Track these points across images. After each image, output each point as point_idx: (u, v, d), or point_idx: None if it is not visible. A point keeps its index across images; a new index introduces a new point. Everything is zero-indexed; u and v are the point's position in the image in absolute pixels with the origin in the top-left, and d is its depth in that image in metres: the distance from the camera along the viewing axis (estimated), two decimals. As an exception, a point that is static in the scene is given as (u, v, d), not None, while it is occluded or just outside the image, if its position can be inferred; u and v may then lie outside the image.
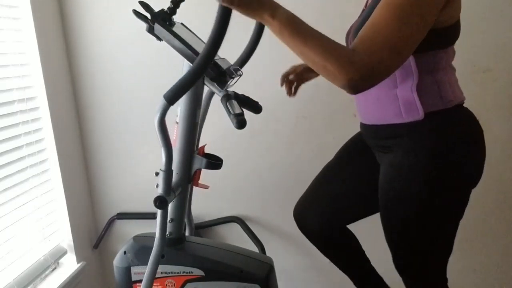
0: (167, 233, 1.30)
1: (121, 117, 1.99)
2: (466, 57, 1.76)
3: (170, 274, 1.33)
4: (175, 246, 1.35)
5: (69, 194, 1.89)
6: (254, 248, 1.86)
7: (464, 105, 1.18)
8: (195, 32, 1.37)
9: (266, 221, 2.03)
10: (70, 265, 1.91)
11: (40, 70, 1.74)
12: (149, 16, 1.18)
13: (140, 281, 1.36)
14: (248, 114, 1.20)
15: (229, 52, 1.33)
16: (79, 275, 1.90)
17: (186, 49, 1.18)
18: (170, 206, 1.30)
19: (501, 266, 1.92)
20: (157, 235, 1.21)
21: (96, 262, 2.12)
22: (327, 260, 2.03)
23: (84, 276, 1.94)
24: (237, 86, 1.31)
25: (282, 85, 1.52)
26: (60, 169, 1.83)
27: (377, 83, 0.98)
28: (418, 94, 1.10)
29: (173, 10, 1.24)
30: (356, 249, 1.51)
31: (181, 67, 1.26)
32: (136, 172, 2.02)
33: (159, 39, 1.20)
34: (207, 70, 1.19)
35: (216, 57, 1.25)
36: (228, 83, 1.24)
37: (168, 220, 1.29)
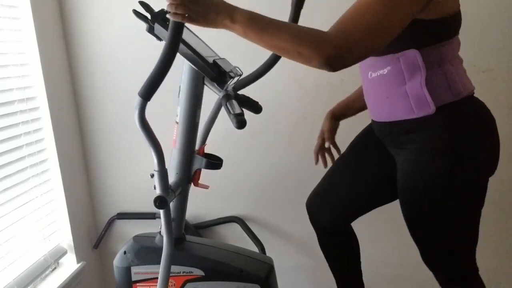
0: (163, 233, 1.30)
1: (121, 117, 1.99)
2: (466, 57, 1.74)
3: (170, 274, 1.33)
4: (175, 246, 1.34)
5: (69, 194, 1.89)
6: (254, 248, 1.86)
7: None
8: (194, 32, 1.37)
9: (266, 221, 2.03)
10: (70, 265, 1.91)
11: (40, 70, 1.74)
12: (149, 16, 1.19)
13: (140, 281, 1.36)
14: (248, 114, 1.20)
15: (229, 52, 1.33)
16: (79, 275, 1.90)
17: (186, 49, 1.18)
18: (170, 206, 1.29)
19: (501, 267, 1.92)
20: (165, 235, 1.20)
21: (96, 262, 2.12)
22: (327, 260, 2.03)
23: (84, 276, 1.94)
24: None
25: (317, 162, 1.55)
26: (60, 169, 1.83)
27: (355, 61, 0.99)
28: (427, 89, 1.10)
29: (173, 10, 1.24)
30: (356, 253, 1.53)
31: (181, 67, 1.26)
32: (136, 172, 2.02)
33: (159, 39, 1.20)
34: (207, 70, 1.19)
35: (216, 57, 1.25)
36: (228, 83, 1.24)
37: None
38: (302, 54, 0.98)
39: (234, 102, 1.16)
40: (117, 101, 1.97)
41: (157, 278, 1.34)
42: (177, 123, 1.29)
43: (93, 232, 2.09)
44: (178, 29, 0.98)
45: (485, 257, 1.29)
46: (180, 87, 1.28)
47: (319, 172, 1.94)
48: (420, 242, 1.23)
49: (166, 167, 1.15)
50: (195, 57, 1.18)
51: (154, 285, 1.35)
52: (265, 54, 1.56)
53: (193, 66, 1.21)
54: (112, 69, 1.94)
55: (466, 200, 1.14)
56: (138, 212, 2.05)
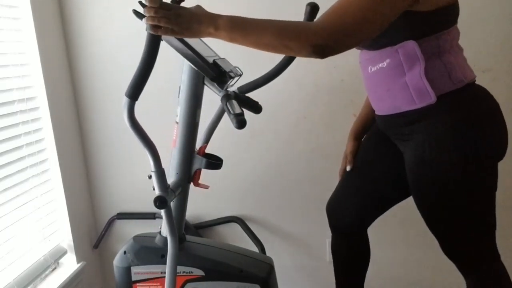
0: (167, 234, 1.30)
1: (121, 117, 1.97)
2: (466, 57, 1.76)
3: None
4: (175, 246, 1.35)
5: (69, 194, 1.89)
6: (254, 248, 1.86)
7: None
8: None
9: (266, 221, 2.03)
10: (70, 265, 1.91)
11: (40, 70, 1.74)
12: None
13: (140, 281, 1.36)
14: (248, 114, 1.20)
15: (229, 52, 1.33)
16: (79, 275, 1.90)
17: (186, 49, 1.18)
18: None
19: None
20: (169, 235, 1.20)
21: (96, 262, 2.12)
22: (327, 260, 2.04)
23: (84, 276, 1.94)
24: (237, 86, 1.31)
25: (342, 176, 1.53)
26: (60, 169, 1.83)
27: (343, 49, 1.02)
28: (427, 79, 1.11)
29: (173, 10, 1.24)
30: (366, 260, 1.54)
31: (181, 66, 1.26)
32: (136, 172, 2.02)
33: (159, 39, 1.20)
34: (207, 70, 1.19)
35: (216, 57, 1.25)
36: (228, 83, 1.24)
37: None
38: (289, 47, 1.01)
39: (234, 102, 1.16)
40: (117, 101, 1.97)
41: (157, 278, 1.34)
42: (177, 123, 1.29)
43: (93, 232, 2.09)
44: (156, 43, 0.99)
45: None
46: (180, 87, 1.28)
47: (319, 172, 1.95)
48: (437, 233, 1.23)
49: (164, 166, 1.15)
50: (195, 57, 1.18)
51: (154, 285, 1.36)
52: (265, 53, 1.57)
53: (193, 66, 1.21)
54: (112, 69, 1.94)
55: (477, 185, 1.14)
56: (138, 212, 2.05)
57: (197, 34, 1.03)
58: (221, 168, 1.32)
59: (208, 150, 1.36)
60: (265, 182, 1.99)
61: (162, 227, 1.37)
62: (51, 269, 1.82)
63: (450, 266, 1.29)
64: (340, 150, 1.57)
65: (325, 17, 1.02)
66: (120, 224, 2.10)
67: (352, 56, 1.35)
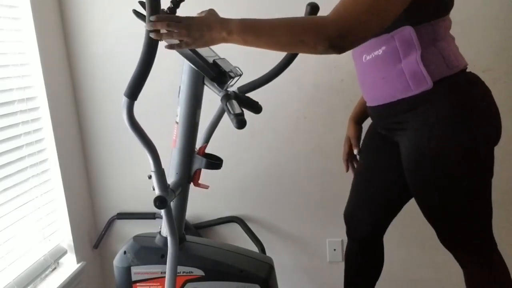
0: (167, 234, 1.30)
1: (121, 117, 1.96)
2: (466, 57, 1.75)
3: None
4: (175, 246, 1.35)
5: (69, 194, 1.89)
6: (254, 248, 1.86)
7: None
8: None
9: (266, 221, 2.03)
10: (70, 265, 1.91)
11: (40, 70, 1.74)
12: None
13: (140, 281, 1.36)
14: (248, 114, 1.20)
15: (229, 52, 1.33)
16: (79, 275, 1.90)
17: (186, 48, 1.18)
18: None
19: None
20: (169, 235, 1.20)
21: (96, 262, 2.12)
22: (327, 260, 2.04)
23: (84, 276, 1.94)
24: (237, 86, 1.31)
25: (348, 169, 1.55)
26: (60, 169, 1.83)
27: (359, 42, 1.02)
28: (424, 65, 1.11)
29: (173, 10, 1.24)
30: (379, 269, 1.54)
31: (181, 66, 1.26)
32: (136, 172, 2.02)
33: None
34: (207, 70, 1.19)
35: (216, 57, 1.25)
36: (228, 83, 1.24)
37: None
38: (305, 42, 0.99)
39: (234, 102, 1.16)
40: (117, 101, 1.95)
41: (157, 278, 1.34)
42: (177, 123, 1.29)
43: (93, 232, 2.09)
44: (154, 48, 0.99)
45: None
46: (180, 87, 1.28)
47: (319, 172, 1.95)
48: (436, 223, 1.23)
49: (164, 166, 1.15)
50: (195, 57, 1.18)
51: (154, 285, 1.36)
52: (265, 53, 1.57)
53: (193, 66, 1.21)
54: (112, 69, 1.94)
55: (473, 170, 1.15)
56: (138, 212, 2.05)
57: (210, 42, 1.03)
58: (221, 168, 1.32)
59: (208, 150, 1.36)
60: (265, 182, 1.99)
61: (162, 227, 1.37)
62: (51, 269, 1.82)
63: (450, 266, 1.30)
64: (340, 150, 1.57)
65: (337, 9, 1.01)
66: (120, 224, 2.10)
67: (352, 56, 1.35)
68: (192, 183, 1.33)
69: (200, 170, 1.31)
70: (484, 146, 1.15)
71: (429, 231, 1.28)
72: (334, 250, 2.01)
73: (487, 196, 1.19)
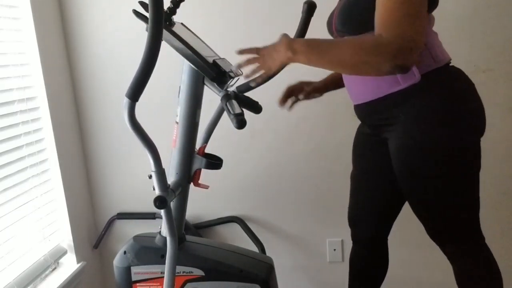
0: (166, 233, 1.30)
1: (121, 117, 1.97)
2: (466, 57, 1.76)
3: (170, 274, 1.33)
4: (175, 246, 1.34)
5: (69, 194, 1.89)
6: (254, 248, 1.86)
7: None
8: (195, 32, 1.37)
9: (266, 221, 2.03)
10: (70, 265, 1.91)
11: (40, 70, 1.74)
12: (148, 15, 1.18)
13: (140, 281, 1.36)
14: (248, 114, 1.20)
15: (229, 52, 1.33)
16: (79, 275, 1.90)
17: (186, 49, 1.18)
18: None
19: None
20: (168, 235, 1.20)
21: (96, 262, 2.12)
22: (327, 260, 2.04)
23: (84, 276, 1.94)
24: (235, 85, 1.31)
25: (283, 102, 1.52)
26: (60, 169, 1.83)
27: (420, 48, 1.02)
28: None
29: (173, 10, 1.24)
30: (382, 276, 1.55)
31: (181, 66, 1.26)
32: (136, 172, 2.02)
33: (159, 39, 1.20)
34: (207, 71, 1.19)
35: (216, 57, 1.25)
36: (228, 83, 1.24)
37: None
38: (369, 63, 1.02)
39: (234, 102, 1.16)
40: (117, 101, 1.97)
41: (157, 278, 1.34)
42: (177, 123, 1.29)
43: (93, 232, 2.09)
44: (158, 23, 0.98)
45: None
46: (180, 87, 1.28)
47: (319, 172, 1.95)
48: (423, 214, 1.24)
49: (164, 166, 1.15)
50: (195, 57, 1.18)
51: (154, 285, 1.35)
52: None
53: (193, 66, 1.21)
54: (112, 69, 1.94)
55: (461, 163, 1.16)
56: (138, 212, 2.05)
57: (281, 64, 1.10)
58: (221, 168, 1.32)
59: (208, 150, 1.36)
60: (265, 182, 1.99)
61: (162, 227, 1.37)
62: (51, 269, 1.82)
63: (451, 267, 1.30)
64: (340, 150, 1.57)
65: (387, 25, 1.02)
66: (120, 224, 2.10)
67: None
68: (192, 183, 1.33)
69: (200, 170, 1.31)
70: (472, 138, 1.17)
71: (429, 231, 1.28)
72: (334, 250, 2.01)
73: (474, 189, 1.20)
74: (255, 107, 1.39)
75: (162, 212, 1.18)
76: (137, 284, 1.36)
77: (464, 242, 1.24)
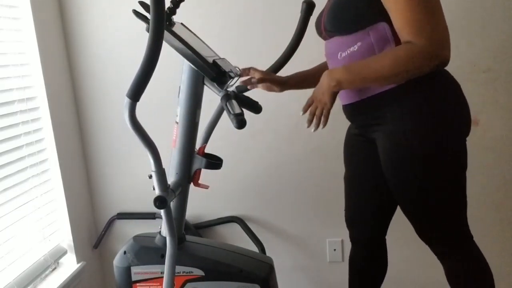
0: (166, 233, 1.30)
1: (121, 117, 1.97)
2: (466, 57, 1.76)
3: (170, 274, 1.33)
4: (175, 246, 1.35)
5: (69, 194, 1.89)
6: (254, 248, 1.86)
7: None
8: (195, 32, 1.37)
9: (266, 221, 2.03)
10: (70, 265, 1.91)
11: (40, 70, 1.74)
12: (149, 16, 1.18)
13: (140, 281, 1.36)
14: (248, 114, 1.20)
15: (229, 52, 1.33)
16: (79, 275, 1.90)
17: (186, 49, 1.18)
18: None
19: (498, 266, 1.92)
20: (168, 235, 1.20)
21: (96, 262, 2.12)
22: (327, 260, 2.04)
23: (84, 276, 1.94)
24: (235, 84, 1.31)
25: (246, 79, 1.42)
26: (60, 169, 1.83)
27: (449, 43, 1.08)
28: None
29: (173, 10, 1.24)
30: (382, 276, 1.55)
31: (181, 66, 1.26)
32: (136, 172, 2.02)
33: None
34: (207, 70, 1.19)
35: (216, 57, 1.25)
36: (228, 83, 1.24)
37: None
38: (410, 71, 1.08)
39: (234, 102, 1.16)
40: (117, 101, 1.97)
41: (157, 278, 1.34)
42: (177, 123, 1.29)
43: (93, 232, 2.09)
44: (160, 24, 0.98)
45: (488, 258, 1.29)
46: (180, 87, 1.28)
47: (319, 172, 1.95)
48: (412, 214, 1.25)
49: (164, 166, 1.15)
50: (195, 57, 1.18)
51: (154, 285, 1.36)
52: (264, 54, 1.57)
53: (193, 66, 1.21)
54: (112, 69, 1.94)
55: (448, 162, 1.17)
56: (138, 212, 2.05)
57: (330, 96, 1.18)
58: (221, 168, 1.32)
59: (208, 150, 1.36)
60: (265, 182, 1.99)
61: (162, 227, 1.37)
62: (51, 269, 1.82)
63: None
64: (340, 150, 1.57)
65: (413, 31, 1.05)
66: (120, 224, 2.10)
67: (325, 55, 1.35)
68: (192, 183, 1.33)
69: (200, 170, 1.31)
70: (458, 137, 1.18)
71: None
72: (334, 250, 2.01)
73: (461, 188, 1.21)
74: (255, 107, 1.39)
75: (162, 212, 1.18)
76: (137, 284, 1.36)
77: (452, 240, 1.24)
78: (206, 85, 1.28)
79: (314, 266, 2.05)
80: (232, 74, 1.23)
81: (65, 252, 1.90)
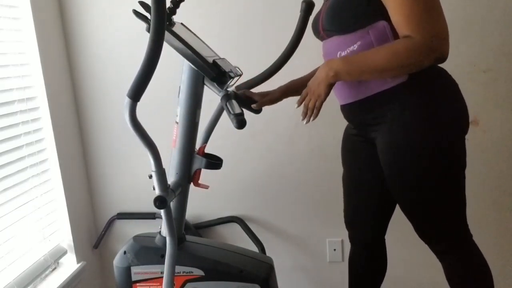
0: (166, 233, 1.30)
1: (121, 117, 1.97)
2: (466, 57, 1.76)
3: (170, 274, 1.33)
4: (175, 246, 1.35)
5: (69, 194, 1.89)
6: (254, 248, 1.86)
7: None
8: (195, 32, 1.37)
9: (266, 221, 2.03)
10: (70, 265, 1.91)
11: (40, 70, 1.74)
12: (149, 16, 1.19)
13: (140, 281, 1.36)
14: (248, 114, 1.20)
15: (229, 52, 1.33)
16: (79, 275, 1.90)
17: (186, 49, 1.19)
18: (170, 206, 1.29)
19: (497, 266, 1.92)
20: (168, 235, 1.20)
21: (96, 262, 2.12)
22: (327, 260, 2.04)
23: (84, 276, 1.94)
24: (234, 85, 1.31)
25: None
26: (60, 169, 1.83)
27: (448, 38, 1.09)
28: None
29: (173, 10, 1.25)
30: (381, 277, 1.55)
31: (181, 66, 1.26)
32: (136, 172, 2.02)
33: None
34: (207, 70, 1.19)
35: (216, 57, 1.25)
36: (228, 83, 1.24)
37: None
38: (408, 65, 1.09)
39: (234, 102, 1.16)
40: (117, 101, 1.97)
41: (157, 278, 1.34)
42: (177, 123, 1.29)
43: (93, 232, 2.10)
44: (161, 24, 0.98)
45: (488, 259, 1.29)
46: (180, 87, 1.28)
47: (319, 172, 1.95)
48: (411, 213, 1.25)
49: (164, 166, 1.15)
50: (195, 57, 1.18)
51: (154, 285, 1.36)
52: (264, 54, 1.57)
53: (193, 66, 1.21)
54: (112, 69, 1.94)
55: (446, 161, 1.17)
56: (138, 212, 2.05)
57: (326, 87, 1.17)
58: (221, 168, 1.32)
59: (208, 150, 1.36)
60: (265, 182, 1.99)
61: (162, 227, 1.37)
62: (51, 269, 1.82)
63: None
64: (340, 150, 1.57)
65: (412, 25, 1.06)
66: (120, 224, 2.10)
67: (323, 55, 1.35)
68: (192, 183, 1.33)
69: (200, 170, 1.32)
70: (457, 136, 1.18)
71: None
72: (334, 250, 2.01)
73: (460, 186, 1.21)
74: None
75: (162, 212, 1.18)
76: (137, 284, 1.36)
77: (452, 239, 1.24)
78: (206, 85, 1.28)
79: (314, 266, 2.05)
80: (232, 74, 1.23)
81: (65, 252, 1.90)
